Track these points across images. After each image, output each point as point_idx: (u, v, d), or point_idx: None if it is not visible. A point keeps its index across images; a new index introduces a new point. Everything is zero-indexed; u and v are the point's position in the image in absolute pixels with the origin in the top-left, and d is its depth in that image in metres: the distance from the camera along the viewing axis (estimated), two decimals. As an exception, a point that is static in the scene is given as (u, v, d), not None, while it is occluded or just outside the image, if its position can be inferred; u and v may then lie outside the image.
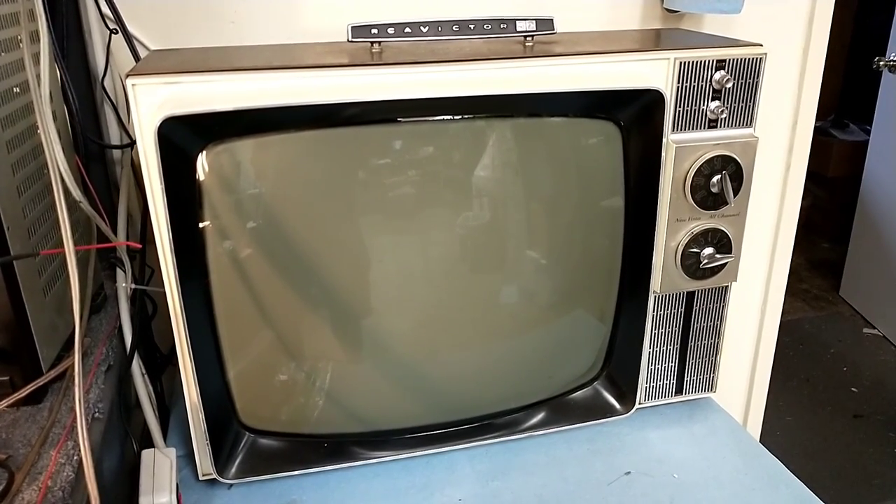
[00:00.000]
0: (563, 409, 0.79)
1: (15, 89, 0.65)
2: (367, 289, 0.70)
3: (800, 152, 1.16)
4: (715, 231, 0.74)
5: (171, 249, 0.61)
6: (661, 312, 0.78)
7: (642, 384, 0.80)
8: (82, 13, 0.85)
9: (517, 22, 0.69)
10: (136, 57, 0.83)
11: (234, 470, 0.70)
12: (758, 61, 0.70)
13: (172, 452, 0.66)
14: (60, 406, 0.63)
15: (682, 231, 0.74)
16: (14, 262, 0.60)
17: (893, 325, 2.49)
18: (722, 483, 0.73)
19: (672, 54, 0.68)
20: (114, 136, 0.91)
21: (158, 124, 0.58)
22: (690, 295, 0.78)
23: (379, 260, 0.70)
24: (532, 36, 0.70)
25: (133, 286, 0.78)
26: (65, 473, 0.55)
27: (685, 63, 0.68)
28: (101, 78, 0.87)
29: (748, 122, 0.72)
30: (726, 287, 0.79)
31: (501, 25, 0.68)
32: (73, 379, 0.57)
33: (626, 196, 0.72)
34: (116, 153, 0.90)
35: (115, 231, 0.80)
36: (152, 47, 0.86)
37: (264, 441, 0.72)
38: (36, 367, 0.64)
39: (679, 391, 0.82)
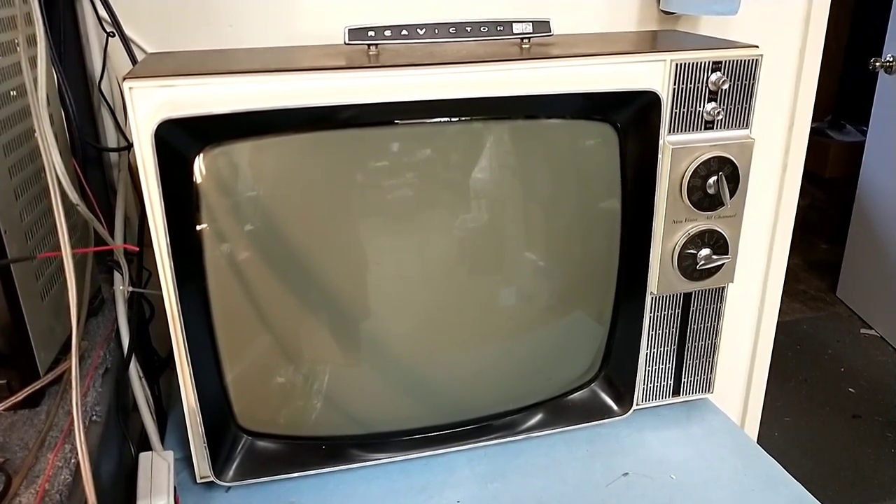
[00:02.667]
0: (561, 410, 0.79)
1: (12, 93, 0.65)
2: (365, 291, 0.70)
3: (796, 153, 1.17)
4: (711, 232, 0.74)
5: (168, 252, 0.61)
6: (659, 314, 0.78)
7: (640, 385, 0.80)
8: (79, 16, 0.84)
9: (514, 24, 0.69)
10: (134, 60, 0.83)
11: (231, 473, 0.70)
12: (754, 63, 0.70)
13: (170, 455, 0.66)
14: (58, 409, 0.63)
15: (678, 232, 0.74)
16: (11, 266, 0.60)
17: (890, 326, 2.49)
18: (720, 484, 0.73)
19: (668, 56, 0.68)
20: (111, 139, 0.91)
21: (155, 127, 0.58)
22: (687, 296, 0.78)
23: (377, 262, 0.70)
24: (529, 38, 0.70)
25: (130, 289, 0.78)
26: (62, 477, 0.55)
27: (681, 64, 0.69)
28: (98, 81, 0.87)
29: (744, 123, 0.72)
30: (723, 288, 0.79)
31: (498, 28, 0.68)
32: (71, 382, 0.57)
33: (623, 197, 0.72)
34: (114, 156, 0.90)
35: (112, 234, 0.80)
36: (149, 50, 0.86)
37: (262, 443, 0.72)
38: (33, 370, 0.63)
39: (676, 392, 0.83)
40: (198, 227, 0.63)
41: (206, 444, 0.68)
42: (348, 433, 0.75)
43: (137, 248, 0.82)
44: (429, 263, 0.71)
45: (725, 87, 0.70)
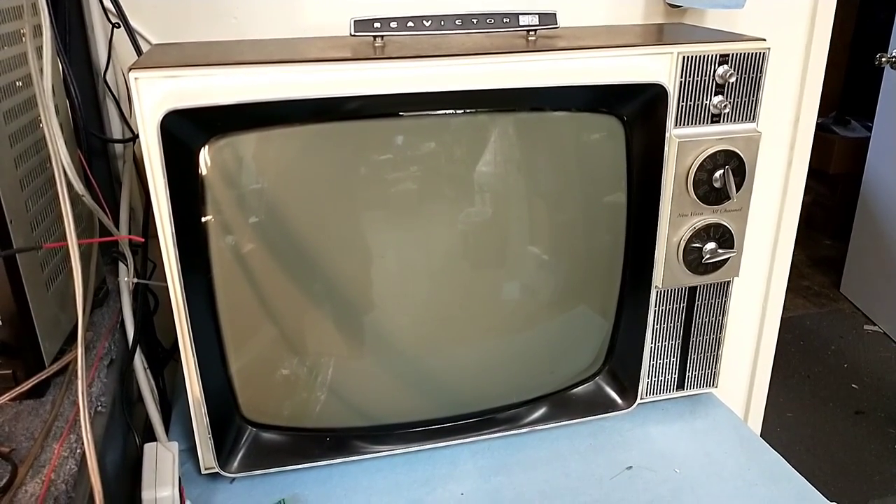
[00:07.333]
0: (564, 404, 0.79)
1: (18, 83, 0.65)
2: (369, 284, 0.70)
3: (802, 148, 1.16)
4: (717, 226, 0.74)
5: (173, 244, 0.61)
6: (663, 307, 0.78)
7: (644, 379, 0.80)
8: (84, 7, 0.84)
9: (520, 16, 0.69)
10: (139, 51, 0.83)
11: (236, 464, 0.71)
12: (761, 56, 0.70)
13: (175, 446, 0.67)
14: (63, 400, 0.63)
15: (684, 226, 0.74)
16: (17, 256, 0.60)
17: (894, 322, 2.49)
18: (723, 478, 0.73)
19: (675, 48, 0.68)
20: (116, 130, 0.91)
21: (161, 118, 0.58)
22: (692, 290, 0.78)
23: (381, 255, 0.70)
24: (535, 30, 0.70)
25: (135, 280, 0.78)
26: (68, 467, 0.55)
27: (688, 57, 0.68)
28: (103, 72, 0.87)
29: (751, 116, 0.72)
30: (728, 282, 0.79)
31: (504, 20, 0.68)
32: (76, 373, 0.57)
33: (629, 191, 0.72)
34: (119, 147, 0.90)
35: (117, 225, 0.80)
36: (154, 42, 0.86)
37: (267, 435, 0.72)
38: (38, 360, 0.64)
39: (681, 386, 0.83)
40: (203, 219, 0.63)
41: (210, 436, 0.68)
42: (352, 425, 0.76)
43: (142, 240, 0.82)
44: (433, 257, 0.71)
45: (732, 80, 0.70)
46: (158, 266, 0.82)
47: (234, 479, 0.72)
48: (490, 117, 0.68)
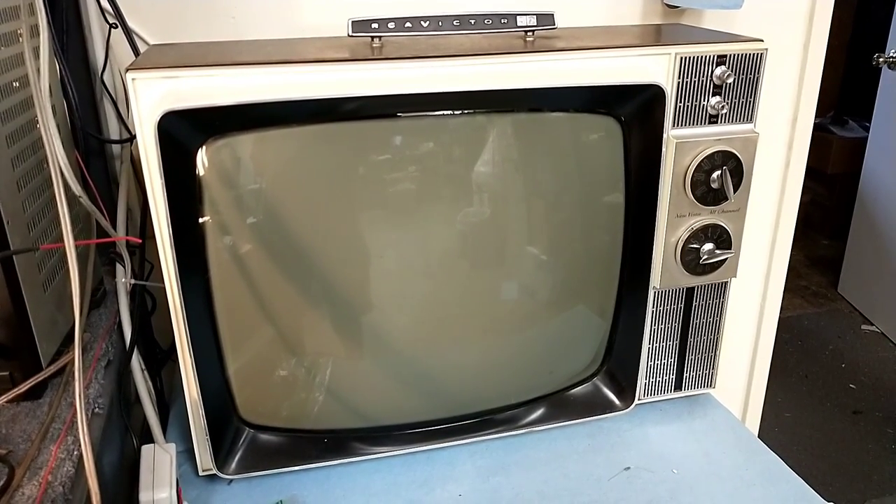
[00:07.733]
0: (562, 404, 0.79)
1: (14, 83, 0.64)
2: (367, 284, 0.70)
3: (799, 148, 1.16)
4: (715, 227, 0.74)
5: (170, 245, 0.61)
6: (661, 308, 0.78)
7: (642, 380, 0.80)
8: (82, 8, 0.84)
9: (518, 17, 0.68)
10: (136, 52, 0.83)
11: (234, 465, 0.70)
12: (758, 57, 0.70)
13: (172, 448, 0.66)
14: (60, 401, 0.63)
15: (682, 227, 0.74)
16: (14, 257, 0.60)
17: (892, 322, 2.49)
18: (721, 478, 0.73)
19: (673, 49, 0.68)
20: (113, 131, 0.91)
21: (158, 119, 0.57)
22: (690, 291, 0.78)
23: (379, 255, 0.70)
24: (533, 31, 0.70)
25: (133, 281, 0.78)
26: (65, 468, 0.55)
27: (686, 58, 0.68)
28: (100, 73, 0.87)
29: (748, 117, 0.72)
30: (726, 283, 0.79)
31: (502, 20, 0.68)
32: (73, 374, 0.57)
33: (627, 191, 0.72)
34: (116, 148, 0.90)
35: (114, 226, 0.80)
36: (152, 42, 0.86)
37: (264, 436, 0.72)
38: (35, 362, 0.63)
39: (678, 387, 0.83)
40: (200, 220, 0.63)
41: (208, 437, 0.68)
42: (350, 426, 0.76)
43: (140, 241, 0.82)
44: (431, 257, 0.71)
45: (730, 80, 0.70)
46: (156, 267, 0.82)
47: (231, 480, 0.72)
48: (488, 118, 0.67)
